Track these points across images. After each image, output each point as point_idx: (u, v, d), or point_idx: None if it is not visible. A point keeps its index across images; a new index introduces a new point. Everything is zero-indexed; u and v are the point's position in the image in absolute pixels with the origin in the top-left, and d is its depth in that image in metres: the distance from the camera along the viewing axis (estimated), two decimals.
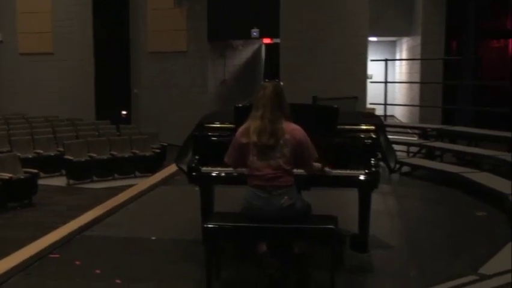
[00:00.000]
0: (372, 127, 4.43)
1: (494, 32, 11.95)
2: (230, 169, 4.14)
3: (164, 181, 7.85)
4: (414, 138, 9.96)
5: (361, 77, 12.42)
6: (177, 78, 14.84)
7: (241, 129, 3.82)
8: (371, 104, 11.01)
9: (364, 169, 4.09)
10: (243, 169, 3.88)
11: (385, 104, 10.03)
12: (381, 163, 4.40)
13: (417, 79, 12.15)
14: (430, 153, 8.53)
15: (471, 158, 7.88)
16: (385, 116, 10.23)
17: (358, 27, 12.24)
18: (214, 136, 4.43)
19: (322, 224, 3.67)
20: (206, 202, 4.43)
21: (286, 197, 3.67)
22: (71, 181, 10.57)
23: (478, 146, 8.14)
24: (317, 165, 3.84)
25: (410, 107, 12.88)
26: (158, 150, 12.07)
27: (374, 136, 4.33)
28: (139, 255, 4.90)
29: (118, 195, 7.08)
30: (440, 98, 11.51)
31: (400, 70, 15.44)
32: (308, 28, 12.54)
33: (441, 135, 8.81)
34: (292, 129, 3.72)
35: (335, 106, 4.39)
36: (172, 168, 7.82)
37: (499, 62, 11.90)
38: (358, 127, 4.44)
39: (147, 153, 11.69)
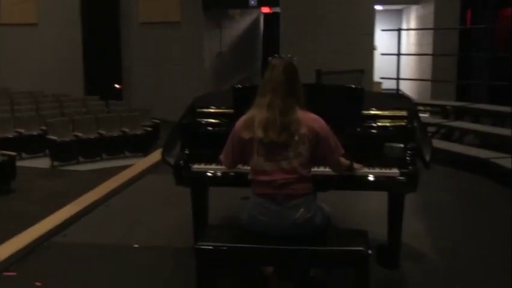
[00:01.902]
0: (404, 112, 3.56)
1: None
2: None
3: (154, 167, 6.99)
4: (425, 115, 9.10)
5: (367, 48, 11.52)
6: (171, 50, 13.94)
7: (242, 119, 2.96)
8: (381, 78, 10.10)
9: (398, 167, 3.24)
10: (246, 167, 3.04)
11: (398, 79, 9.13)
12: None
13: (429, 51, 11.24)
14: (449, 134, 7.67)
15: (497, 140, 7.01)
16: (397, 92, 9.35)
17: None
18: (208, 124, 3.57)
19: (350, 244, 2.81)
20: (198, 208, 3.60)
21: (302, 210, 2.83)
22: (55, 163, 9.72)
23: (504, 126, 7.28)
24: (345, 162, 3.04)
25: (419, 81, 11.96)
26: (150, 129, 11.20)
27: (407, 124, 3.47)
28: (119, 268, 4.07)
29: (96, 188, 6.17)
30: (455, 72, 10.59)
31: (408, 41, 14.44)
32: None
33: (461, 113, 7.93)
34: (311, 120, 2.87)
35: (360, 87, 3.52)
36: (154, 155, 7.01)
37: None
38: (387, 113, 3.56)
39: (138, 132, 10.81)
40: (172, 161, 3.54)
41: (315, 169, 3.09)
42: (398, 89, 9.40)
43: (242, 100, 3.37)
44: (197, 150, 3.42)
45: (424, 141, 3.54)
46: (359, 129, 3.42)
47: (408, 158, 3.26)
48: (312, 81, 10.04)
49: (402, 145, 3.31)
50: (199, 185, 3.53)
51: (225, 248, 2.85)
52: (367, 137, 3.42)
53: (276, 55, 2.98)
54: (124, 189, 6.19)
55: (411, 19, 14.40)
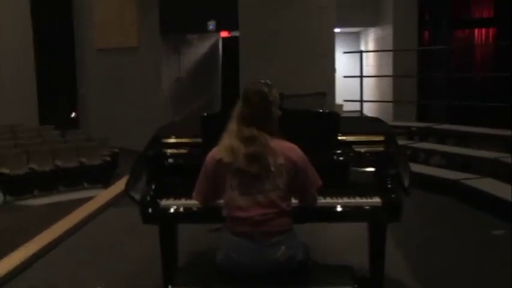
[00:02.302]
0: (382, 137, 3.40)
1: (469, 21, 11.19)
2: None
3: (115, 200, 6.64)
4: None
5: (329, 71, 11.44)
6: (128, 76, 13.62)
7: (213, 151, 2.74)
8: (344, 100, 10.02)
9: (380, 195, 3.07)
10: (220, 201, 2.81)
11: (361, 101, 9.07)
12: None
13: (388, 72, 11.28)
14: (415, 156, 7.60)
15: (458, 159, 6.96)
16: (361, 114, 9.28)
17: (325, 17, 11.23)
18: (175, 156, 3.33)
19: (336, 284, 2.60)
20: (167, 247, 3.33)
21: (283, 248, 2.61)
22: (8, 197, 9.24)
23: (467, 146, 7.26)
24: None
25: (380, 103, 11.98)
26: (108, 158, 10.82)
27: (385, 149, 3.31)
28: None
29: (50, 228, 5.69)
30: (415, 93, 10.64)
31: (366, 63, 14.50)
32: (269, 18, 11.46)
33: (425, 134, 7.89)
34: (287, 149, 2.68)
35: (335, 111, 3.35)
36: (124, 180, 6.57)
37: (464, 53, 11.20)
38: (364, 138, 3.40)
39: (96, 162, 10.42)
40: (137, 196, 3.28)
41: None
42: (361, 112, 9.32)
43: (211, 128, 3.16)
44: (164, 184, 3.17)
45: (402, 166, 3.37)
46: (335, 157, 3.24)
47: (389, 186, 3.09)
48: None
49: None
50: (169, 223, 3.27)
51: None
52: (344, 164, 3.24)
53: (252, 80, 2.77)
54: (83, 226, 5.82)
55: (369, 41, 14.50)
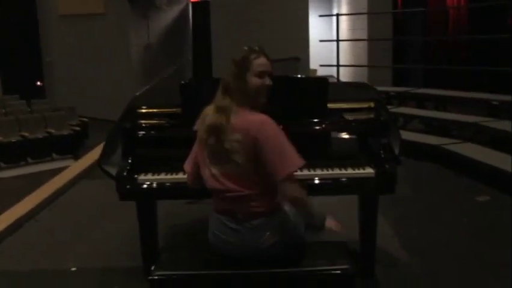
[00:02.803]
0: (372, 104, 3.22)
1: None
2: (180, 176, 2.86)
3: (87, 171, 6.37)
4: None
5: (303, 35, 11.21)
6: (95, 44, 13.14)
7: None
8: (321, 65, 9.80)
9: (373, 166, 2.90)
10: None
11: (338, 66, 8.85)
12: None
13: (362, 36, 11.08)
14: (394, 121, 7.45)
15: (438, 124, 6.85)
16: (338, 79, 9.08)
17: None
18: (153, 127, 3.09)
19: (331, 263, 2.43)
20: (146, 225, 3.12)
21: (268, 234, 2.40)
22: None
23: (446, 110, 7.16)
24: (300, 191, 2.37)
25: (354, 67, 11.80)
26: (77, 128, 10.47)
27: (377, 116, 3.13)
28: None
29: (22, 200, 5.40)
30: (391, 57, 10.48)
31: (340, 27, 14.27)
32: None
33: (403, 98, 7.75)
34: (251, 123, 2.36)
35: (323, 77, 3.14)
36: (97, 151, 6.28)
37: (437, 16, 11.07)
38: (354, 105, 3.21)
39: (65, 132, 10.06)
40: (112, 171, 3.05)
41: None
42: (338, 77, 9.13)
43: (191, 97, 2.93)
44: (142, 158, 2.94)
45: (393, 134, 3.20)
46: (324, 125, 3.05)
47: (382, 156, 2.92)
48: None
49: None
50: (147, 199, 3.06)
51: (182, 277, 2.40)
52: (334, 134, 3.05)
53: (247, 47, 2.51)
54: (55, 200, 5.54)
55: (342, 4, 14.25)
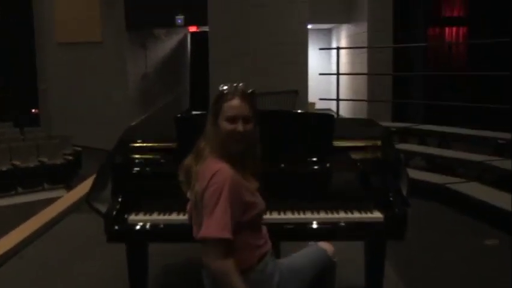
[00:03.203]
0: (378, 142, 3.03)
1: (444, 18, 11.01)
2: (174, 216, 2.65)
3: (78, 204, 6.11)
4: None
5: (302, 68, 11.08)
6: (92, 72, 13.02)
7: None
8: (320, 99, 9.65)
9: (379, 209, 2.71)
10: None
11: (338, 100, 8.71)
12: None
13: (362, 70, 10.99)
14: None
15: (441, 162, 6.66)
16: (337, 114, 8.93)
17: (297, 13, 10.86)
18: (146, 163, 2.89)
19: None
20: (136, 270, 2.89)
21: None
22: None
23: (450, 148, 6.98)
24: (217, 259, 2.08)
25: (354, 101, 11.69)
26: (70, 157, 10.25)
27: (384, 156, 2.94)
28: None
29: (6, 235, 5.05)
30: (391, 92, 10.37)
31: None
32: (240, 13, 11.03)
33: (405, 135, 7.58)
34: (201, 176, 2.18)
35: (329, 113, 2.96)
36: (89, 182, 5.99)
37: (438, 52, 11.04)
38: (360, 143, 3.01)
39: (58, 161, 9.86)
40: (102, 207, 2.84)
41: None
42: (337, 111, 8.98)
43: (186, 132, 2.75)
44: (133, 196, 2.73)
45: (402, 175, 3.01)
46: (329, 165, 2.85)
47: (391, 198, 2.72)
48: None
49: None
50: (138, 242, 2.84)
51: None
52: (340, 174, 2.85)
53: (226, 84, 2.30)
54: (42, 234, 5.26)
55: (341, 38, 14.22)
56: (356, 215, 2.67)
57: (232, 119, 2.19)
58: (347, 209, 2.71)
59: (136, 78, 13.10)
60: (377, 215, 2.67)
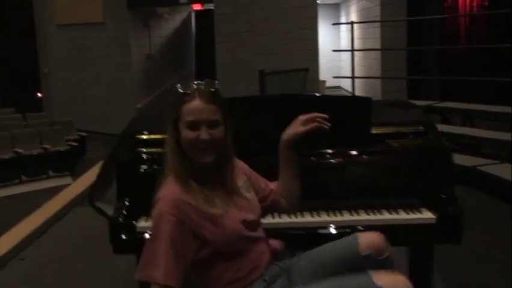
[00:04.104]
0: (421, 127, 2.63)
1: None
2: None
3: (82, 198, 5.72)
4: None
5: (311, 45, 10.63)
6: (95, 54, 12.63)
7: None
8: (334, 77, 9.22)
9: (428, 207, 2.32)
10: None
11: (353, 77, 8.26)
12: None
13: (375, 45, 10.52)
14: None
15: (468, 142, 6.25)
16: (353, 92, 8.49)
17: None
18: (156, 158, 2.49)
19: None
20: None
21: None
22: None
23: (474, 126, 6.58)
24: None
25: (365, 78, 11.23)
26: (75, 143, 9.92)
27: (428, 143, 2.55)
28: None
29: (7, 232, 4.73)
30: (405, 68, 9.91)
31: (348, 36, 13.74)
32: None
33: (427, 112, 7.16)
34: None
35: (367, 97, 2.56)
36: (94, 171, 5.60)
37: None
38: (402, 129, 2.61)
39: (62, 148, 9.53)
40: (107, 209, 2.47)
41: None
42: (353, 90, 8.55)
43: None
44: (142, 198, 2.35)
45: (449, 165, 2.61)
46: (369, 156, 2.46)
47: (442, 195, 2.33)
48: (254, 83, 9.16)
49: None
50: None
51: None
52: (381, 166, 2.46)
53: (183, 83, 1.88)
54: (44, 233, 4.89)
55: (351, 13, 13.70)
56: (403, 216, 2.28)
57: (194, 125, 1.79)
58: (391, 208, 2.32)
59: (140, 59, 12.72)
60: (428, 215, 2.28)
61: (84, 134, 10.60)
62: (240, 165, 2.04)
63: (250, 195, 1.96)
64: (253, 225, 1.89)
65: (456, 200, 2.34)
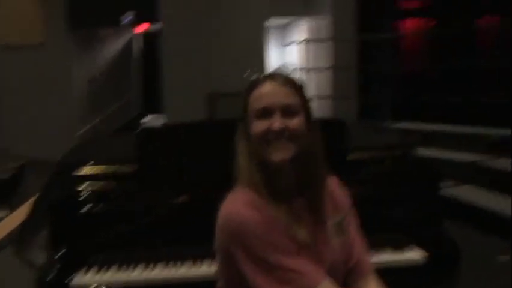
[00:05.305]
0: (398, 151, 2.34)
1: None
2: (142, 272, 1.89)
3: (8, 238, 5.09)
4: None
5: (260, 66, 10.41)
6: (34, 77, 11.99)
7: None
8: None
9: (418, 242, 2.01)
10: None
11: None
12: None
13: (325, 65, 10.43)
14: None
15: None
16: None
17: (256, 7, 10.19)
18: (96, 196, 2.09)
19: None
20: None
21: None
22: None
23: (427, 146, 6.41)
24: None
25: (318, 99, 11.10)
26: (10, 174, 9.26)
27: (410, 167, 2.26)
28: None
29: None
30: (356, 88, 9.85)
31: (298, 56, 13.59)
32: (195, 10, 10.28)
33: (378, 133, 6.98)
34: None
35: (338, 118, 2.25)
36: (25, 208, 4.92)
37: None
38: (378, 154, 2.31)
39: None
40: (36, 260, 2.05)
41: None
42: None
43: (153, 150, 1.99)
44: (81, 245, 1.95)
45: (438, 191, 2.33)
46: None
47: (434, 228, 2.03)
48: (203, 107, 8.81)
49: None
50: None
51: None
52: (361, 197, 2.14)
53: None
54: None
55: (297, 33, 13.61)
56: (389, 255, 1.96)
57: (264, 113, 1.39)
58: (376, 245, 2.00)
59: (81, 83, 12.15)
60: (417, 252, 1.96)
61: (22, 162, 9.96)
62: (344, 193, 1.58)
63: (340, 241, 1.47)
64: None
65: (448, 233, 2.04)
